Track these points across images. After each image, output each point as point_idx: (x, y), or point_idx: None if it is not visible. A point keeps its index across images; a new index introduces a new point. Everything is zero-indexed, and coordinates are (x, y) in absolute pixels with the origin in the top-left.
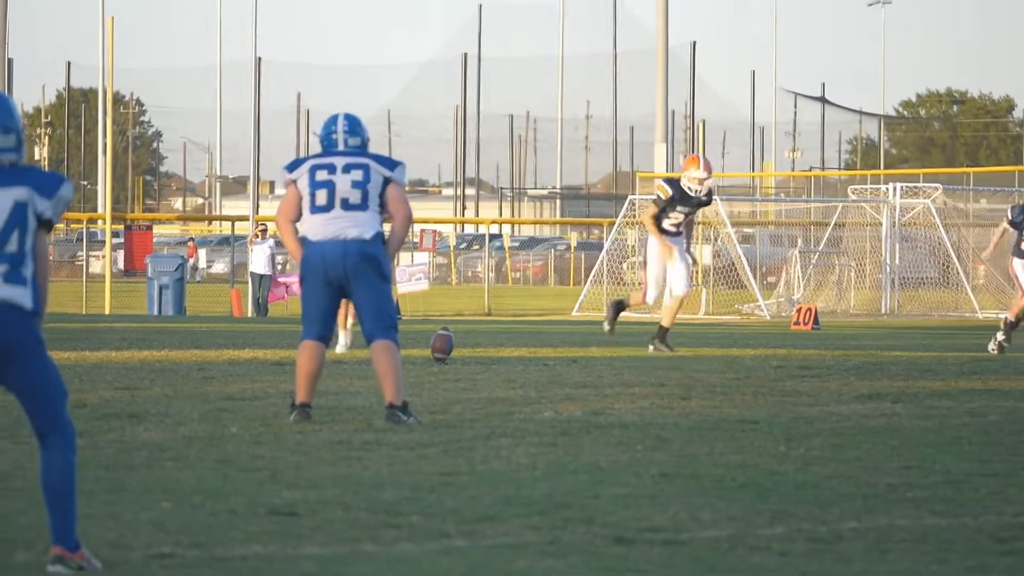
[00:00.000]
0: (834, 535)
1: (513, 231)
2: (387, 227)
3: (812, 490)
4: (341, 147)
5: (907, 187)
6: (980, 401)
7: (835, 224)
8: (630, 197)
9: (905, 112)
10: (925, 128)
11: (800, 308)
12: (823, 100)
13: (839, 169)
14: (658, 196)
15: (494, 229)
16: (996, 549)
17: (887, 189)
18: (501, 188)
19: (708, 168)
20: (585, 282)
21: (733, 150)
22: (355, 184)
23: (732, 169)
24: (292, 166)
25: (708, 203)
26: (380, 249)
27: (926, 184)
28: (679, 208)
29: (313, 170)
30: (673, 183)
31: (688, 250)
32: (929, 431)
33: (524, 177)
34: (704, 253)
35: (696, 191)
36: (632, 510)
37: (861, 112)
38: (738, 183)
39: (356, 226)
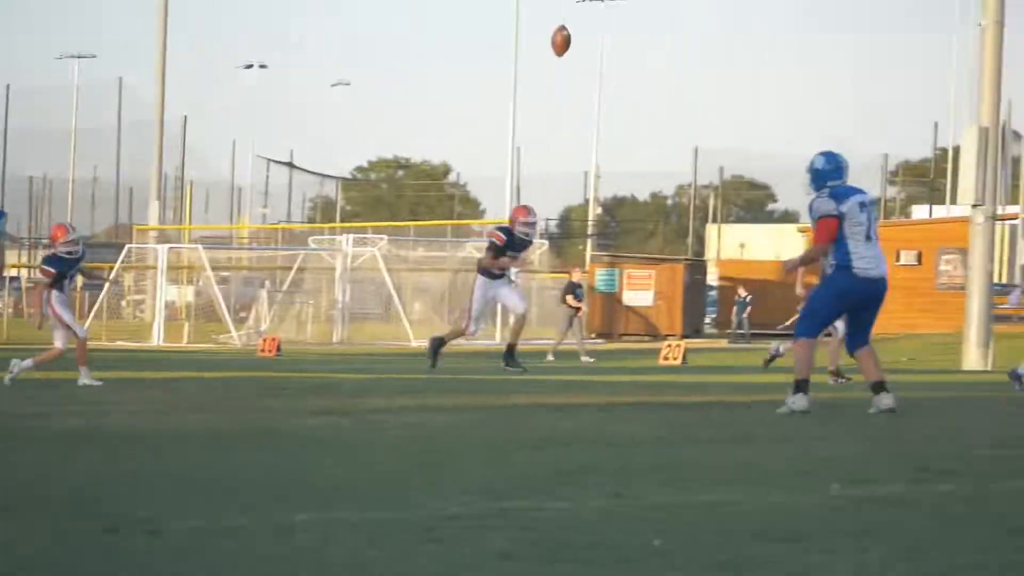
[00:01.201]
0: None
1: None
2: None
3: (276, 486)
4: None
5: (358, 238)
6: (415, 415)
7: (298, 268)
8: (128, 245)
9: (359, 175)
10: (375, 188)
11: (266, 338)
12: (291, 165)
13: (303, 222)
14: (492, 242)
15: None
16: (425, 537)
17: (342, 239)
18: (22, 238)
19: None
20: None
21: (215, 205)
22: None
23: (214, 222)
24: None
25: (530, 244)
26: None
27: (374, 235)
28: (509, 253)
29: None
30: (506, 230)
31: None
32: (371, 441)
33: (41, 231)
34: (187, 292)
35: (526, 234)
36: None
37: (322, 175)
38: (218, 234)
39: None
